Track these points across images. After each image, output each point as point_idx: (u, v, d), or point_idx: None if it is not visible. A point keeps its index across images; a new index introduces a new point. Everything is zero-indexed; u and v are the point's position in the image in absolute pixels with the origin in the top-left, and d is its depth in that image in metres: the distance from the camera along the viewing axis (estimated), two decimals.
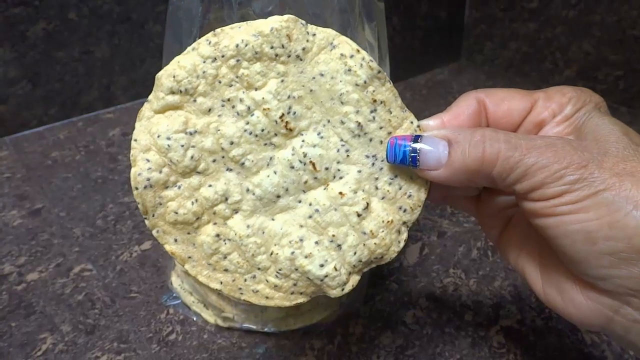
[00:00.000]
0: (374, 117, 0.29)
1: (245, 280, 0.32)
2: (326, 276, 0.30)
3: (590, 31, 0.84)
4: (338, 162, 0.30)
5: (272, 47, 0.29)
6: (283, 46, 0.29)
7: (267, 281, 0.31)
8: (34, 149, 0.71)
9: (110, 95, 0.81)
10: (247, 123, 0.29)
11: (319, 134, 0.30)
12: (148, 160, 0.29)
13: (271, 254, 0.31)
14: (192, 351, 0.41)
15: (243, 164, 0.30)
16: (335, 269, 0.30)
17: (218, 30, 0.29)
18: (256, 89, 0.29)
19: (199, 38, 0.29)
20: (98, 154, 0.70)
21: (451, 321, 0.44)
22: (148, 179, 0.29)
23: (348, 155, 0.30)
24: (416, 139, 0.28)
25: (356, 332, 0.43)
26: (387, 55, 0.39)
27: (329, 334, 0.42)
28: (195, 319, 0.44)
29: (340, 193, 0.30)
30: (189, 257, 0.31)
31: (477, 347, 0.41)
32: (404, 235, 0.31)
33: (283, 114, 0.29)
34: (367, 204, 0.30)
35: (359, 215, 0.30)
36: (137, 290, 0.47)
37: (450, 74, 1.01)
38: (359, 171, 0.30)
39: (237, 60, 0.29)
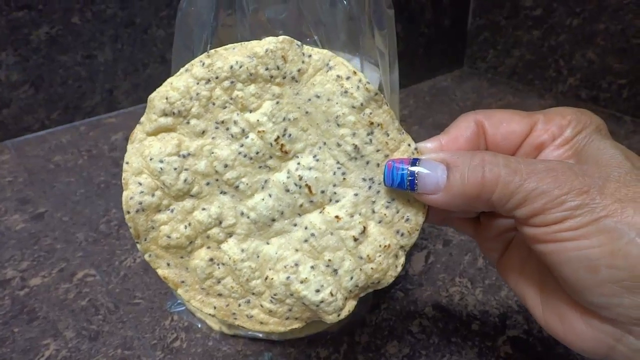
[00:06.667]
0: (370, 140, 0.29)
1: (240, 305, 0.31)
2: (322, 302, 0.30)
3: (594, 40, 0.84)
4: (334, 185, 0.30)
5: (267, 69, 0.28)
6: (278, 68, 0.28)
7: (261, 306, 0.31)
8: (36, 153, 0.71)
9: (112, 99, 0.81)
10: (242, 145, 0.29)
11: (314, 156, 0.30)
12: (140, 184, 0.29)
13: (266, 278, 0.30)
14: (197, 358, 0.40)
15: (237, 187, 0.29)
16: (332, 295, 0.30)
17: (212, 51, 0.28)
18: (251, 111, 0.29)
19: (210, 44, 0.29)
20: (101, 158, 0.70)
21: (458, 331, 0.43)
22: (140, 203, 0.29)
23: (344, 179, 0.30)
24: (414, 162, 0.28)
25: (362, 341, 0.42)
26: (396, 63, 0.39)
27: (334, 343, 0.42)
28: (200, 326, 0.43)
29: (337, 217, 0.30)
30: (182, 282, 0.31)
31: (484, 357, 0.41)
32: (402, 260, 0.31)
33: (278, 137, 0.29)
34: (364, 228, 0.30)
35: (355, 239, 0.30)
36: (141, 296, 0.46)
37: (453, 81, 1.01)
38: (356, 194, 0.30)
39: (232, 82, 0.28)
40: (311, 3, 0.33)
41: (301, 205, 0.30)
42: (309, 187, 0.29)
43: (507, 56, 0.99)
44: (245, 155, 0.29)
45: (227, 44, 0.29)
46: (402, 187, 0.28)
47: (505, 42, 0.98)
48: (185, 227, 0.30)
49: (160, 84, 0.29)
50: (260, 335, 0.41)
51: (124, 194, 0.29)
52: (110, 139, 0.75)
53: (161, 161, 0.28)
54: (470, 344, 0.42)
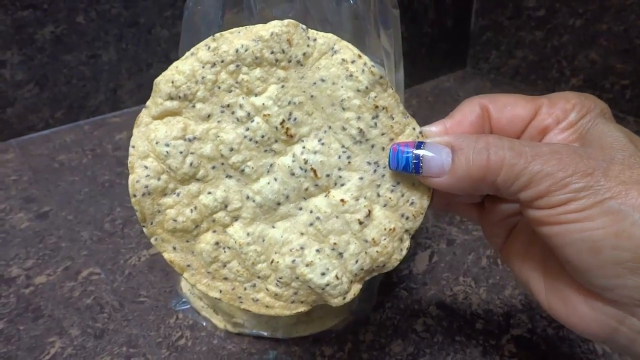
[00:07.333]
0: (375, 124, 0.29)
1: (245, 288, 0.31)
2: (327, 285, 0.30)
3: (597, 40, 0.84)
4: (339, 169, 0.30)
5: (272, 52, 0.28)
6: (283, 51, 0.28)
7: (267, 290, 0.31)
8: (40, 152, 0.71)
9: (117, 99, 0.81)
10: (247, 129, 0.29)
11: (319, 140, 0.29)
12: (146, 167, 0.29)
13: (271, 262, 0.30)
14: (202, 357, 0.41)
15: (243, 170, 0.29)
16: (337, 278, 0.30)
17: (217, 35, 0.28)
18: (256, 95, 0.29)
19: None
20: (105, 157, 0.70)
21: (462, 329, 0.43)
22: (146, 186, 0.29)
23: (349, 162, 0.30)
24: (419, 145, 0.28)
25: (366, 340, 0.42)
26: (401, 62, 0.39)
27: (339, 341, 0.42)
28: (204, 324, 0.43)
29: (342, 200, 0.30)
30: (188, 266, 0.31)
31: (488, 355, 0.41)
32: (407, 243, 0.31)
33: (284, 120, 0.29)
34: (369, 211, 0.30)
35: (360, 222, 0.30)
36: (146, 294, 0.47)
37: (456, 82, 1.01)
38: (361, 178, 0.30)
39: (237, 66, 0.28)
40: (317, 2, 0.33)
41: (306, 189, 0.30)
42: (314, 171, 0.29)
43: (510, 57, 0.99)
44: (250, 139, 0.29)
45: None
46: (407, 170, 0.28)
47: (508, 42, 0.98)
48: (191, 210, 0.30)
49: None
50: (265, 333, 0.42)
51: (130, 177, 0.29)
52: (115, 138, 0.75)
53: (167, 145, 0.28)
54: (475, 342, 0.42)
